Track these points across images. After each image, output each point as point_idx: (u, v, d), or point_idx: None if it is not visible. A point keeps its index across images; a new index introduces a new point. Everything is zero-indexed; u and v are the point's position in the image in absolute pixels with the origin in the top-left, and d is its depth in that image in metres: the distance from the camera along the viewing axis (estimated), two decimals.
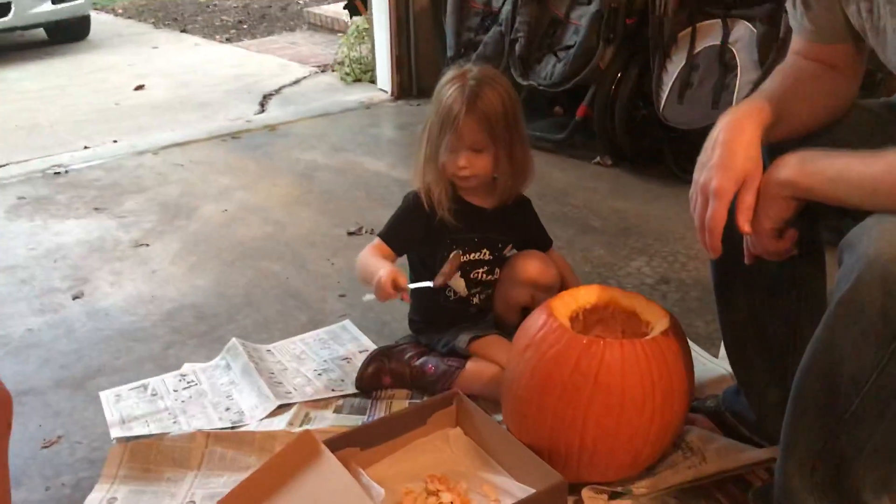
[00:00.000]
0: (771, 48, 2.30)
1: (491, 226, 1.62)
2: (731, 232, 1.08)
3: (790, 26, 1.23)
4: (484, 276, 1.63)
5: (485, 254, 1.63)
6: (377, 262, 1.53)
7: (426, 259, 1.64)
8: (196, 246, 2.42)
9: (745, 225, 1.07)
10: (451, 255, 1.56)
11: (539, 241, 1.72)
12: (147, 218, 2.64)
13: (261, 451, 1.45)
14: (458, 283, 1.60)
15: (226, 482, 1.40)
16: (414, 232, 1.62)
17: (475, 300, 1.66)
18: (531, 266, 1.61)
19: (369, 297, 1.52)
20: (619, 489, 1.33)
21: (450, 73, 1.56)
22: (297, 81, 4.56)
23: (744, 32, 2.39)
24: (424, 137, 1.57)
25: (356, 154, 3.23)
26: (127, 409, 1.62)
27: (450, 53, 3.42)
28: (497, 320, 1.70)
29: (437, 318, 1.68)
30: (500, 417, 1.43)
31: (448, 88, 1.53)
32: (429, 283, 1.54)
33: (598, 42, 2.73)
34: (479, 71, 1.54)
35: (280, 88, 4.42)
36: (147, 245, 2.43)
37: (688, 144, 2.74)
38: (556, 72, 2.87)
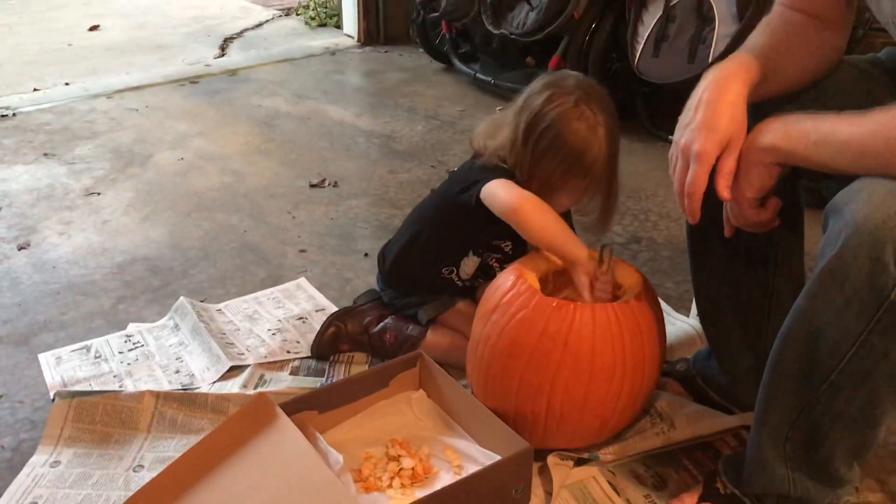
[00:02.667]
0: (750, 1, 2.24)
1: None
2: (709, 194, 1.02)
3: None
4: (495, 263, 1.53)
5: (507, 245, 1.50)
6: (572, 235, 1.31)
7: (465, 226, 1.46)
8: (150, 196, 2.32)
9: (724, 191, 1.01)
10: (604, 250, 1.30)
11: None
12: (99, 165, 2.52)
13: (214, 414, 1.39)
14: (468, 265, 1.52)
15: (176, 445, 1.34)
16: None
17: (473, 283, 1.57)
18: None
19: None
20: (585, 455, 1.29)
21: (561, 100, 1.34)
22: (259, 25, 4.41)
23: None
24: (524, 168, 1.38)
25: (320, 102, 3.12)
26: (68, 371, 1.54)
27: None
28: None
29: (420, 281, 1.57)
30: (464, 383, 1.38)
31: (577, 123, 1.33)
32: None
33: None
34: (597, 98, 1.36)
35: (242, 32, 4.27)
36: (98, 194, 2.32)
37: (662, 99, 2.70)
38: (528, 21, 2.78)
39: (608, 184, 1.41)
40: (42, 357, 1.58)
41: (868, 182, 0.91)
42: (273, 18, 4.53)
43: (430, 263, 1.53)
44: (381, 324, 1.56)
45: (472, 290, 1.57)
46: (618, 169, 1.42)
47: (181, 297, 1.73)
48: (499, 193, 1.34)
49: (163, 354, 1.60)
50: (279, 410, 1.23)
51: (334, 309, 1.70)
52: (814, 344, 0.97)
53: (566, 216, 1.51)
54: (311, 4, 4.36)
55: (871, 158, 0.92)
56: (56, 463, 1.31)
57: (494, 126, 1.44)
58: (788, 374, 1.01)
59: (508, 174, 1.38)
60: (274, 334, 1.65)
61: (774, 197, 1.04)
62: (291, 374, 1.53)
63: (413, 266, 1.57)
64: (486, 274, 1.54)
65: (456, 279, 1.54)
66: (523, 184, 1.37)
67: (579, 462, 1.29)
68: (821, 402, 1.00)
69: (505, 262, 1.49)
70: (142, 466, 1.30)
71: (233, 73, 3.48)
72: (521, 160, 1.38)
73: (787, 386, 1.02)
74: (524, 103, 1.39)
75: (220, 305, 1.76)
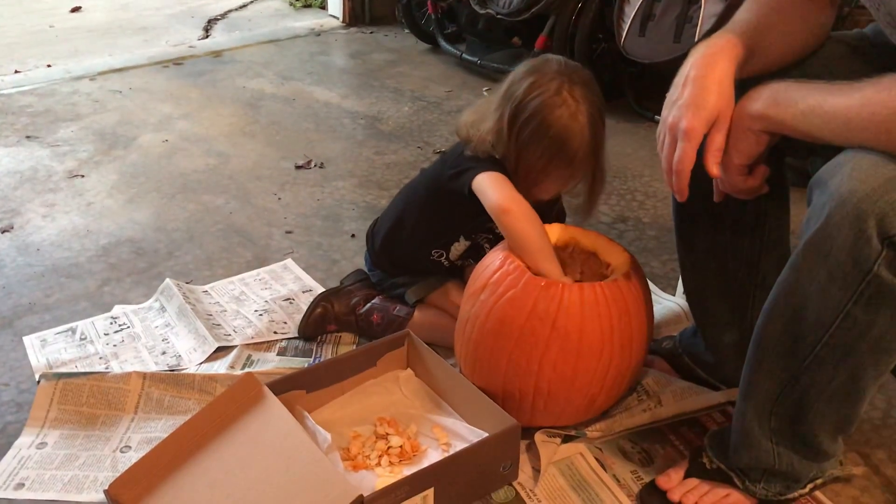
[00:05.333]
0: None
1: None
2: (696, 170, 1.02)
3: None
4: (485, 244, 1.52)
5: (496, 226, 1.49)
6: (553, 257, 1.29)
7: (456, 209, 1.45)
8: (134, 178, 2.29)
9: (713, 167, 1.02)
10: None
11: (556, 213, 1.58)
12: (83, 147, 2.49)
13: (201, 394, 1.39)
14: (458, 248, 1.51)
15: (164, 426, 1.33)
16: None
17: (460, 263, 1.56)
18: None
19: None
20: (572, 432, 1.30)
21: (546, 86, 1.32)
22: (243, 6, 4.36)
23: None
24: (510, 157, 1.37)
25: (305, 83, 3.10)
26: (54, 353, 1.53)
27: None
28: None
29: (408, 263, 1.57)
30: (452, 362, 1.38)
31: (555, 111, 1.31)
32: None
33: None
34: (580, 84, 1.34)
35: (226, 13, 4.22)
36: (82, 176, 2.30)
37: (648, 79, 2.69)
38: (514, 1, 2.77)
39: (594, 169, 1.40)
40: (27, 339, 1.57)
41: (852, 155, 0.92)
42: None
43: (419, 247, 1.53)
44: (369, 304, 1.56)
45: (459, 271, 1.57)
46: (604, 153, 1.40)
47: (167, 279, 1.72)
48: (489, 190, 1.33)
49: (149, 336, 1.59)
50: (267, 390, 1.23)
51: (321, 290, 1.69)
52: (798, 317, 0.97)
53: (555, 201, 1.51)
54: None
55: (856, 131, 0.92)
56: (42, 444, 1.30)
57: (478, 115, 1.42)
58: (772, 348, 1.02)
59: (499, 165, 1.37)
60: (261, 315, 1.64)
61: (763, 165, 1.04)
62: (279, 354, 1.53)
63: (402, 249, 1.56)
64: (475, 254, 1.53)
65: (445, 262, 1.54)
66: (511, 172, 1.37)
67: (566, 439, 1.30)
68: (805, 375, 1.01)
69: (496, 242, 1.49)
70: (129, 447, 1.30)
71: (217, 54, 3.44)
72: (507, 149, 1.37)
73: (771, 360, 1.03)
74: (507, 91, 1.37)
75: (207, 287, 1.75)
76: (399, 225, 1.55)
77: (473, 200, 1.35)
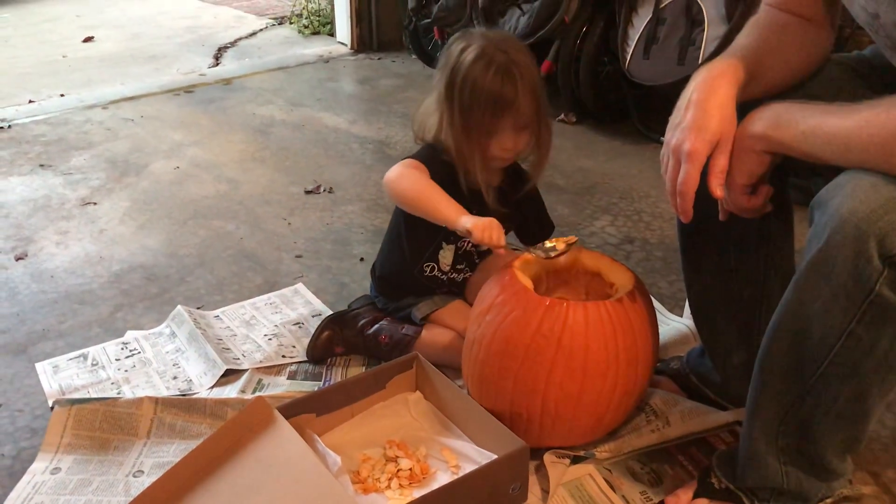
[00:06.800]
0: (738, 3, 2.26)
1: (492, 203, 1.48)
2: (700, 191, 1.04)
3: None
4: (469, 246, 1.55)
5: None
6: (443, 198, 1.34)
7: (423, 229, 1.47)
8: (146, 204, 2.33)
9: (717, 189, 1.03)
10: (567, 239, 1.34)
11: (542, 224, 1.63)
12: (95, 175, 2.53)
13: (212, 419, 1.40)
14: (447, 256, 1.54)
15: (175, 450, 1.34)
16: (446, 183, 1.42)
17: (457, 277, 1.58)
18: None
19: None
20: (581, 453, 1.30)
21: (471, 49, 1.38)
22: (253, 34, 4.43)
23: None
24: (449, 123, 1.41)
25: (314, 109, 3.14)
26: (66, 379, 1.55)
27: (411, 5, 3.34)
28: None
29: (406, 286, 1.60)
30: (460, 383, 1.39)
31: (485, 67, 1.36)
32: (527, 249, 1.34)
33: None
34: (499, 40, 1.40)
35: (235, 41, 4.29)
36: (95, 203, 2.33)
37: (653, 101, 2.71)
38: (519, 25, 2.80)
39: (538, 118, 1.43)
40: (39, 366, 1.59)
41: (852, 176, 0.93)
42: (266, 27, 4.55)
43: (411, 263, 1.56)
44: (377, 326, 1.58)
45: (461, 287, 1.59)
46: (544, 104, 1.43)
47: (178, 307, 1.74)
48: (385, 176, 1.40)
49: (160, 361, 1.61)
50: (277, 414, 1.24)
51: (330, 313, 1.71)
52: (802, 337, 0.98)
53: (522, 180, 1.55)
54: (305, 13, 4.38)
55: (856, 152, 0.93)
56: (56, 470, 1.31)
57: (421, 103, 1.49)
58: (778, 368, 1.03)
59: (429, 150, 1.46)
60: (270, 339, 1.66)
61: (766, 184, 1.05)
62: (289, 378, 1.54)
63: (398, 271, 1.59)
64: (468, 262, 1.56)
65: (440, 274, 1.56)
66: (459, 146, 1.41)
67: (575, 460, 1.30)
68: (811, 395, 1.01)
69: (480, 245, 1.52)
70: (141, 472, 1.31)
71: (227, 81, 3.49)
72: (451, 120, 1.41)
73: (776, 380, 1.04)
74: (442, 65, 1.44)
75: (218, 312, 1.77)
76: (391, 249, 1.60)
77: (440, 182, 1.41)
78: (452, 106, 1.41)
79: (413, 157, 1.47)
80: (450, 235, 1.51)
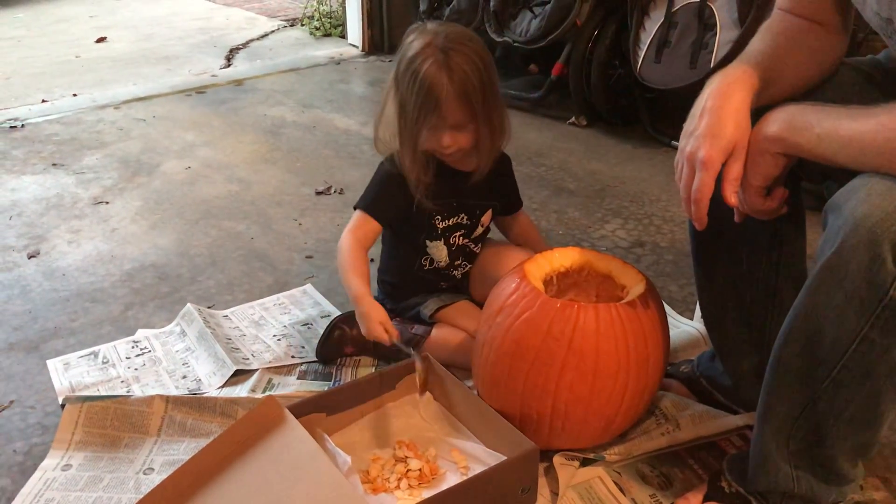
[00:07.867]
0: (751, 6, 2.25)
1: (470, 190, 1.53)
2: (715, 198, 1.03)
3: None
4: (461, 239, 1.57)
5: (462, 218, 1.56)
6: (358, 282, 1.42)
7: (403, 227, 1.55)
8: (158, 204, 2.34)
9: (731, 197, 1.02)
10: (418, 366, 1.37)
11: (512, 201, 1.66)
12: (107, 174, 2.54)
13: (222, 417, 1.40)
14: (440, 252, 1.55)
15: (186, 448, 1.35)
16: (398, 202, 1.51)
17: (457, 273, 1.60)
18: (513, 264, 1.54)
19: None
20: (591, 455, 1.30)
21: (417, 41, 1.41)
22: (265, 35, 4.45)
23: None
24: (393, 111, 1.45)
25: (325, 111, 3.15)
26: (76, 377, 1.56)
27: (422, 7, 3.34)
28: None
29: (409, 284, 1.62)
30: (470, 384, 1.39)
31: (421, 62, 1.38)
32: (409, 351, 1.39)
33: None
34: (448, 36, 1.41)
35: (247, 42, 4.30)
36: (107, 202, 2.35)
37: (664, 105, 2.71)
38: (531, 28, 2.80)
39: (474, 121, 1.42)
40: (50, 363, 1.60)
41: (867, 180, 0.92)
42: (278, 29, 4.57)
43: (409, 262, 1.57)
44: None
45: (463, 283, 1.62)
46: (482, 107, 1.41)
47: (188, 304, 1.75)
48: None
49: (170, 360, 1.61)
50: (287, 413, 1.24)
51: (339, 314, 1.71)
52: (815, 341, 0.98)
53: (508, 176, 1.61)
54: (316, 14, 4.40)
55: (871, 156, 0.92)
56: (67, 466, 1.32)
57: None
58: (790, 372, 1.02)
59: (379, 174, 1.52)
60: (279, 340, 1.66)
61: (781, 187, 1.05)
62: (299, 377, 1.54)
63: (399, 271, 1.62)
64: (465, 256, 1.58)
65: (442, 269, 1.58)
66: (408, 140, 1.43)
67: (585, 462, 1.30)
68: (823, 399, 1.01)
69: (470, 235, 1.57)
70: (152, 469, 1.32)
71: (239, 83, 3.51)
72: (403, 108, 1.42)
73: (788, 383, 1.03)
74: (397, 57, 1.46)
75: (227, 311, 1.78)
76: (389, 248, 1.63)
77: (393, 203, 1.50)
78: (398, 91, 1.44)
79: (361, 202, 1.52)
80: (432, 233, 1.54)
